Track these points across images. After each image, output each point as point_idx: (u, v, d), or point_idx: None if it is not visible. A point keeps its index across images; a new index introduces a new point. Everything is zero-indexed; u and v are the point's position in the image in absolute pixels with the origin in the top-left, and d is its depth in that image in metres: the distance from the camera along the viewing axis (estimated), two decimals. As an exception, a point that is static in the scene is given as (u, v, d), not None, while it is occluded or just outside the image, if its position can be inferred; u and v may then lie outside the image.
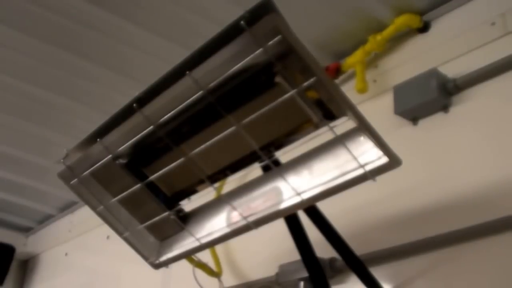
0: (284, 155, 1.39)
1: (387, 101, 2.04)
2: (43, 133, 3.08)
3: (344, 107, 1.20)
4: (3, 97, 2.78)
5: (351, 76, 2.24)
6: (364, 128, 1.19)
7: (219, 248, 2.49)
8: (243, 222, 1.42)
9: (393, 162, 1.19)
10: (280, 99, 1.19)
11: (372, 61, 2.22)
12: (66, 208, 3.90)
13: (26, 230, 4.25)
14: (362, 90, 2.09)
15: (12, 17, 2.26)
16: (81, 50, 2.45)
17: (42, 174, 3.40)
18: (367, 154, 1.23)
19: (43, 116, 2.94)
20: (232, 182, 1.57)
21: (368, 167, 1.22)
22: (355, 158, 1.23)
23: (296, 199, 1.33)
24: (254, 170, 1.47)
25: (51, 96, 2.76)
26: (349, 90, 2.15)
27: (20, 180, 3.59)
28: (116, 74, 2.57)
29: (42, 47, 2.41)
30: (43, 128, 3.04)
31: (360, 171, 1.23)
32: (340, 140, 1.25)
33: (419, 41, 2.10)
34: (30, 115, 2.93)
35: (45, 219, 4.10)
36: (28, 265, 4.22)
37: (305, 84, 1.15)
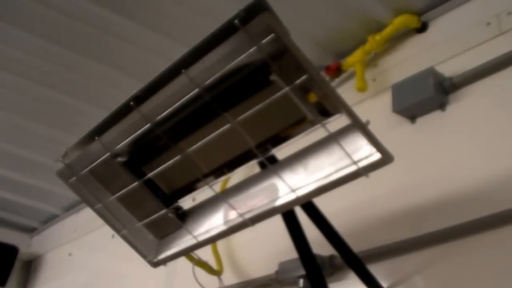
0: (282, 152, 1.40)
1: (387, 99, 2.05)
2: (48, 132, 3.08)
3: (337, 104, 1.21)
4: (7, 96, 2.79)
5: (351, 75, 2.25)
6: (356, 125, 1.21)
7: (219, 246, 2.50)
8: (240, 219, 1.43)
9: (386, 158, 1.20)
10: (274, 96, 1.21)
11: (371, 61, 2.23)
12: (71, 207, 3.90)
13: (31, 231, 4.25)
14: (362, 89, 2.10)
15: (14, 16, 2.27)
16: (84, 48, 2.46)
17: (47, 173, 3.37)
18: (361, 150, 1.24)
19: (48, 115, 2.95)
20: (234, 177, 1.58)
21: (361, 164, 1.23)
22: (348, 155, 1.24)
23: (292, 196, 1.35)
24: (256, 167, 1.49)
25: (55, 94, 2.77)
26: (349, 89, 2.18)
27: (25, 180, 3.59)
28: (120, 73, 2.58)
29: (44, 45, 2.43)
30: (48, 127, 3.05)
31: (353, 168, 1.24)
32: (334, 137, 1.26)
33: (417, 40, 2.11)
34: (35, 114, 2.94)
35: (49, 219, 4.10)
36: (31, 266, 4.22)
37: (298, 81, 1.16)
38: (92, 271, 3.55)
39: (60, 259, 3.92)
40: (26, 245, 4.20)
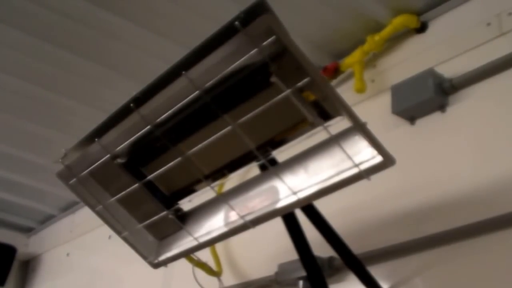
0: (282, 154, 1.40)
1: (385, 100, 2.04)
2: (45, 133, 3.07)
3: (339, 107, 1.21)
4: (2, 96, 2.78)
5: (350, 76, 2.24)
6: (358, 127, 1.20)
7: (218, 247, 2.50)
8: (241, 221, 1.43)
9: (387, 161, 1.20)
10: (274, 99, 1.20)
11: (370, 61, 2.22)
12: (68, 208, 3.89)
13: (28, 231, 4.25)
14: (360, 90, 2.10)
15: (9, 15, 2.26)
16: (80, 48, 2.45)
17: (44, 174, 3.38)
18: (362, 153, 1.23)
19: (44, 116, 2.94)
20: (232, 180, 1.58)
21: (363, 166, 1.23)
22: (349, 157, 1.24)
23: (292, 198, 1.34)
24: (256, 169, 1.48)
25: (50, 95, 2.76)
26: (347, 89, 2.17)
27: (22, 180, 3.58)
28: (118, 74, 2.58)
29: (41, 45, 2.41)
30: (45, 128, 3.04)
31: (355, 170, 1.24)
32: (335, 140, 1.26)
33: (417, 41, 2.10)
34: (32, 114, 2.93)
35: (46, 219, 4.09)
36: (29, 266, 4.22)
37: (299, 84, 1.16)
38: (89, 271, 3.55)
39: (58, 259, 3.92)
40: (23, 245, 4.20)
